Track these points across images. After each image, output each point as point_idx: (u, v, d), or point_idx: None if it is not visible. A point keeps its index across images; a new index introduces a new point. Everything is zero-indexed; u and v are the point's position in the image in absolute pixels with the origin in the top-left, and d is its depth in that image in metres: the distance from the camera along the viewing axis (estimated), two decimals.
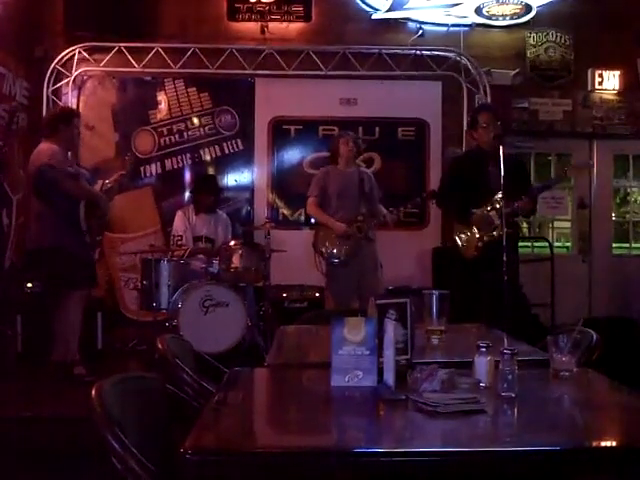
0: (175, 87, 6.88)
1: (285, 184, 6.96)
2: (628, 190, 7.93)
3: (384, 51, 6.79)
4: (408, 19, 6.93)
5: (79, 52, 6.66)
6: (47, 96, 6.59)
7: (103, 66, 6.74)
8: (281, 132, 6.96)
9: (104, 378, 1.90)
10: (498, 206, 4.55)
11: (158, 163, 6.87)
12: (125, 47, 6.63)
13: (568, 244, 7.62)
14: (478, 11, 6.85)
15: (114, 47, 6.64)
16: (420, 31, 6.90)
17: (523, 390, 1.99)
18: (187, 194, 6.79)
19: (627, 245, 7.64)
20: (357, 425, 1.87)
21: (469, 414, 1.79)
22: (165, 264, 5.58)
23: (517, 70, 6.94)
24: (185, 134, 6.90)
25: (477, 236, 4.76)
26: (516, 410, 1.95)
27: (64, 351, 5.03)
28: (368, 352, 2.06)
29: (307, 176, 6.79)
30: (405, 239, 6.47)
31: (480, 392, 1.97)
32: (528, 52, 7.06)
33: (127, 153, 6.23)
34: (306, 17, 6.90)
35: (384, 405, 1.96)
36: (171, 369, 2.44)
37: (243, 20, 6.88)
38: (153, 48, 6.67)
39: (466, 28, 6.95)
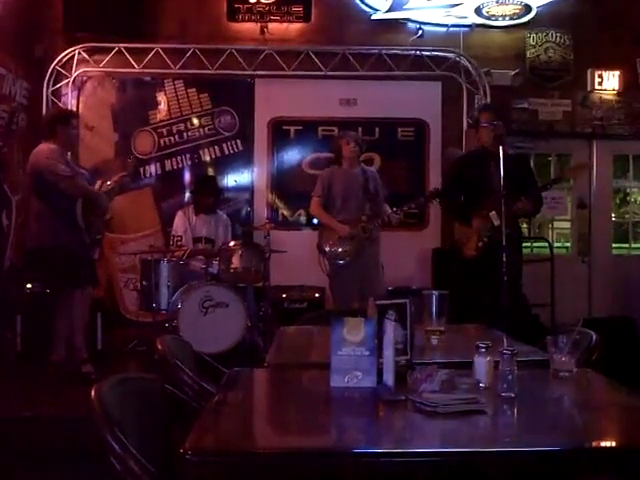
0: (175, 88, 6.88)
1: (285, 184, 6.96)
2: (628, 190, 7.93)
3: (384, 51, 6.79)
4: (408, 19, 6.93)
5: (79, 53, 6.66)
6: (47, 96, 6.59)
7: (103, 67, 6.74)
8: (281, 132, 6.96)
9: (104, 379, 1.90)
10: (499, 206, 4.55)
11: (158, 164, 6.87)
12: (125, 48, 6.63)
13: (568, 244, 7.63)
14: (478, 11, 6.86)
15: (114, 48, 6.64)
16: (420, 31, 6.91)
17: (523, 390, 1.99)
18: (187, 195, 6.79)
19: (627, 245, 7.65)
20: (357, 426, 1.87)
21: (469, 414, 1.79)
22: (165, 265, 5.59)
23: (517, 70, 6.94)
24: (185, 135, 6.90)
25: (477, 236, 4.76)
26: (516, 410, 1.95)
27: (75, 349, 5.08)
28: (368, 353, 2.06)
29: (307, 176, 6.81)
30: (405, 239, 6.47)
31: (480, 392, 1.97)
32: (528, 52, 7.06)
33: (129, 156, 6.22)
34: (306, 17, 6.89)
35: (384, 406, 1.96)
36: (171, 370, 2.44)
37: (243, 20, 6.88)
38: (153, 49, 6.67)
39: (466, 28, 6.96)
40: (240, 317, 5.34)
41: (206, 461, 1.55)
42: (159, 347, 2.53)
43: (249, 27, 6.90)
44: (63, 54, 6.63)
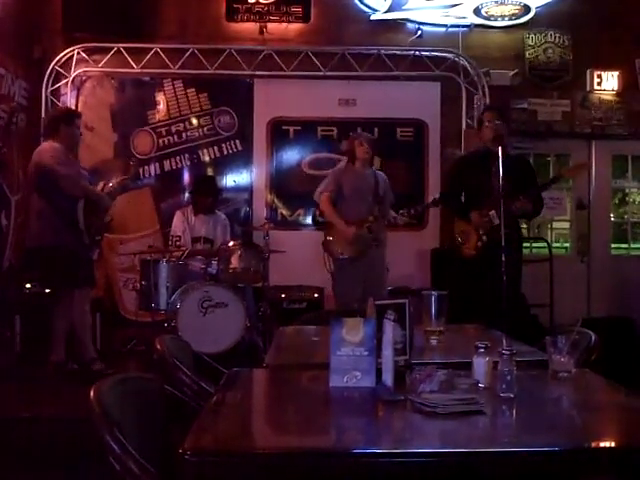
0: (174, 88, 6.88)
1: (284, 185, 6.96)
2: (627, 191, 7.92)
3: (383, 52, 6.79)
4: (407, 20, 6.93)
5: (78, 53, 6.66)
6: (46, 97, 6.59)
7: (102, 67, 6.74)
8: (280, 133, 6.96)
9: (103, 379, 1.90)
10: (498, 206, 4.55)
11: (157, 164, 6.87)
12: (124, 48, 6.63)
13: (567, 245, 7.63)
14: (477, 12, 6.85)
15: (113, 48, 6.63)
16: (419, 32, 6.91)
17: (522, 391, 1.99)
18: (186, 195, 6.79)
19: (626, 245, 7.65)
20: (356, 426, 1.87)
21: (468, 415, 1.80)
22: (164, 265, 5.59)
23: (516, 71, 6.94)
24: (184, 135, 6.90)
25: (477, 236, 4.77)
26: (515, 411, 1.95)
27: (83, 349, 5.11)
28: (367, 353, 2.06)
29: (306, 177, 6.82)
30: (404, 240, 6.46)
31: (479, 393, 1.97)
32: (527, 53, 7.06)
33: (132, 159, 6.23)
34: (305, 18, 6.89)
35: (383, 406, 1.96)
36: (170, 370, 2.45)
37: (242, 21, 6.87)
38: (152, 49, 6.66)
39: (465, 29, 6.95)
40: (239, 317, 5.34)
41: (205, 461, 1.55)
42: (158, 347, 2.53)
43: (248, 27, 6.90)
44: (62, 54, 6.63)
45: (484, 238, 4.72)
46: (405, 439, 1.78)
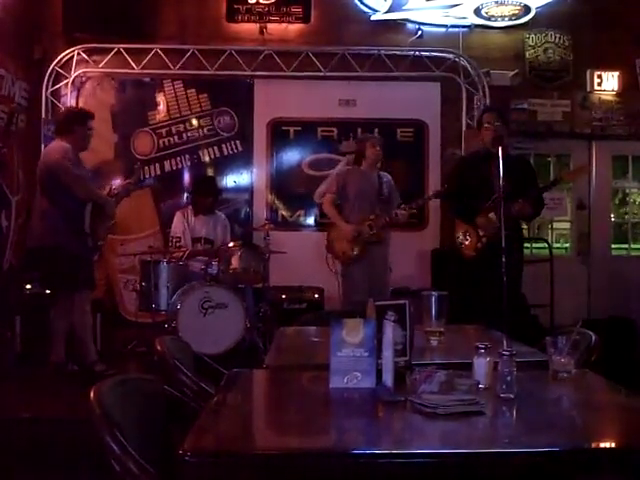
0: (174, 88, 6.88)
1: (284, 185, 6.96)
2: (627, 191, 7.92)
3: (383, 52, 6.79)
4: (407, 20, 6.93)
5: (78, 53, 6.66)
6: (46, 97, 6.60)
7: (102, 67, 6.75)
8: (280, 133, 6.96)
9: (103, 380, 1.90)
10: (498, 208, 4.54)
11: (157, 164, 6.87)
12: (124, 48, 6.63)
13: (567, 245, 7.62)
14: (477, 12, 6.85)
15: (113, 48, 6.64)
16: (419, 32, 6.91)
17: (522, 391, 1.99)
18: (186, 195, 6.79)
19: (626, 246, 7.64)
20: (356, 427, 1.87)
21: (468, 415, 1.80)
22: (164, 265, 5.59)
23: (516, 71, 6.94)
24: (184, 135, 6.90)
25: (477, 237, 4.76)
26: (515, 411, 1.95)
27: (84, 353, 5.10)
28: (367, 354, 2.06)
29: (306, 177, 6.82)
30: (404, 240, 6.46)
31: (479, 393, 1.96)
32: (527, 53, 7.06)
33: (137, 162, 6.24)
34: (305, 18, 6.89)
35: (383, 406, 1.96)
36: (170, 370, 2.45)
37: (242, 21, 6.87)
38: (152, 49, 6.67)
39: (465, 29, 6.96)
40: (239, 318, 5.35)
41: (205, 462, 1.55)
42: (158, 348, 2.53)
43: (248, 28, 6.90)
44: (62, 55, 6.63)
45: (484, 239, 4.71)
46: (405, 440, 1.78)
